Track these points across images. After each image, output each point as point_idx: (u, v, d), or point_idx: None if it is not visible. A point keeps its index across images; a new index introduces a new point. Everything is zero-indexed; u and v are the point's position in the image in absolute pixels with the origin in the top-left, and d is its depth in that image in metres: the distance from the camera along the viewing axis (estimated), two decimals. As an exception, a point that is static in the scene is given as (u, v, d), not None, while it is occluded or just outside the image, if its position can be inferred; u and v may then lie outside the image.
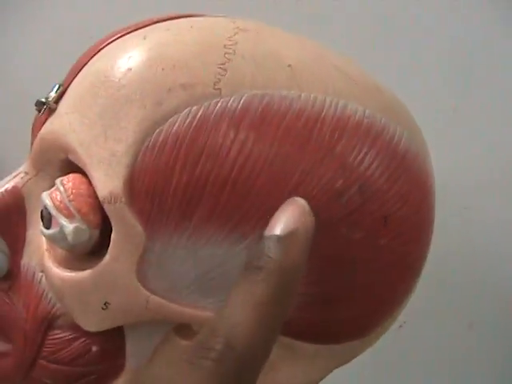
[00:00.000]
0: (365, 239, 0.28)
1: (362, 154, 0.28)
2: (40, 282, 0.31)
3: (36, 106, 0.31)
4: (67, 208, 0.28)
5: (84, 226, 0.28)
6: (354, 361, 0.34)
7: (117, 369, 0.31)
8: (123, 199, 0.27)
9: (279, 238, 0.24)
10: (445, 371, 0.57)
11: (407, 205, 0.30)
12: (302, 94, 0.28)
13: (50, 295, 0.30)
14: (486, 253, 0.55)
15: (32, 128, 0.32)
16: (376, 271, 0.29)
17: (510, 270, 0.56)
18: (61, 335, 0.30)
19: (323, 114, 0.28)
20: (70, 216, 0.28)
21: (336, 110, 0.28)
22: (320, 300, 0.29)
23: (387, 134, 0.29)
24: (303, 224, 0.25)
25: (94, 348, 0.30)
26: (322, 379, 0.33)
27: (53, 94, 0.30)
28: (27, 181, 0.31)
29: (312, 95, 0.28)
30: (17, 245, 0.31)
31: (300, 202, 0.26)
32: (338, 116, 0.28)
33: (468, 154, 0.58)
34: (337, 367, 0.33)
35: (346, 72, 0.30)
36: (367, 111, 0.29)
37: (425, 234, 0.32)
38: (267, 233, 0.24)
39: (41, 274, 0.31)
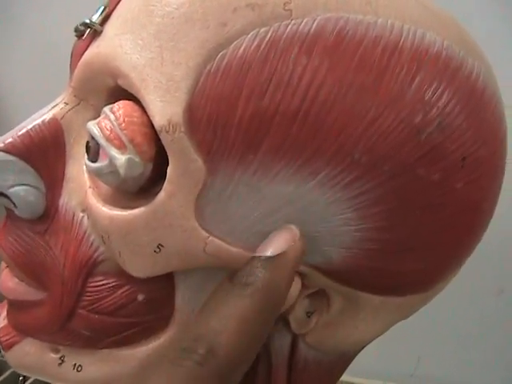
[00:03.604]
0: (442, 181, 0.26)
1: (441, 89, 0.26)
2: (81, 224, 0.28)
3: (76, 31, 0.28)
4: (118, 138, 0.25)
5: (137, 158, 0.25)
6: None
7: (163, 321, 0.28)
8: (183, 129, 0.24)
9: (269, 259, 0.25)
10: (472, 339, 0.56)
11: (484, 147, 0.27)
12: (379, 20, 0.25)
13: (92, 238, 0.28)
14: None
15: (71, 54, 0.29)
16: (450, 217, 0.27)
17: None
18: (103, 282, 0.28)
19: (401, 42, 0.25)
20: (121, 147, 0.25)
21: (414, 39, 0.26)
22: (391, 248, 0.27)
23: (466, 68, 0.27)
24: (293, 248, 0.25)
25: (140, 297, 0.28)
26: (380, 334, 0.31)
27: (97, 16, 0.27)
28: (67, 111, 0.28)
29: (389, 21, 0.25)
30: (54, 182, 0.28)
31: (292, 228, 0.25)
32: (417, 46, 0.25)
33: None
34: (397, 322, 0.31)
35: (421, 1, 0.28)
36: (445, 42, 0.26)
37: (498, 181, 0.30)
38: (258, 253, 0.25)
39: (82, 214, 0.28)
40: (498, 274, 0.54)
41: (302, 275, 0.28)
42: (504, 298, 0.54)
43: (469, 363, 0.62)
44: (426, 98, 0.25)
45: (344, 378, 0.35)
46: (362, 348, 0.33)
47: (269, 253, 0.25)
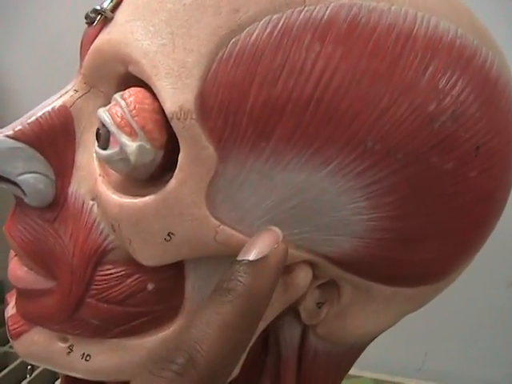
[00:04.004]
0: (455, 171, 0.26)
1: (454, 78, 0.25)
2: (90, 212, 0.28)
3: (86, 18, 0.28)
4: (129, 125, 0.25)
5: (148, 146, 0.25)
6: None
7: (173, 311, 0.28)
8: (194, 116, 0.24)
9: (250, 263, 0.24)
10: (480, 334, 0.56)
11: (499, 136, 0.27)
12: (393, 7, 0.25)
13: (101, 226, 0.27)
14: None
15: (81, 42, 0.29)
16: (463, 206, 0.27)
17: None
18: (112, 271, 0.27)
19: (415, 30, 0.25)
20: (132, 134, 0.25)
21: (428, 27, 0.25)
22: (404, 237, 0.27)
23: (480, 57, 0.27)
24: (275, 252, 0.25)
25: (150, 286, 0.27)
26: (391, 326, 0.31)
27: (108, 3, 0.27)
28: (77, 99, 0.28)
29: (403, 9, 0.25)
30: (64, 170, 0.28)
31: (275, 230, 0.25)
32: (431, 34, 0.25)
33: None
34: (408, 313, 0.31)
35: None
36: (459, 31, 0.26)
37: None
38: (240, 257, 0.25)
39: (91, 202, 0.28)
40: (508, 266, 0.54)
41: (312, 265, 0.28)
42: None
43: (476, 358, 0.62)
44: (440, 86, 0.25)
45: (352, 371, 0.35)
46: (372, 340, 0.32)
47: (250, 257, 0.24)
